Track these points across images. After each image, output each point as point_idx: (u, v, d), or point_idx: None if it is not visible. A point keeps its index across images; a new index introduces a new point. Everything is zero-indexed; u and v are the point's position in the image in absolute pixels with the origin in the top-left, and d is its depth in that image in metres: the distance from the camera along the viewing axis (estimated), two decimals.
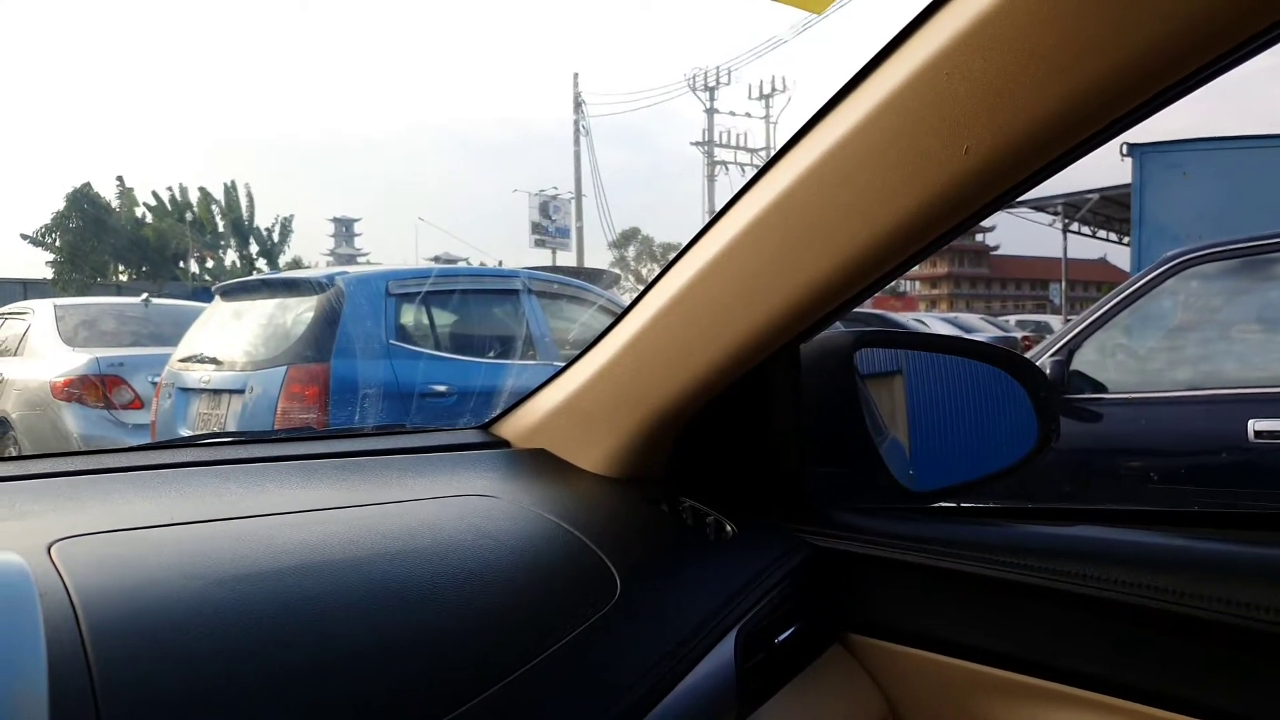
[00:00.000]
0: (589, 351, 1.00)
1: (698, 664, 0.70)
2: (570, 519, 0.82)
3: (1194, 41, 0.56)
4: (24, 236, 25.30)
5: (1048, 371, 3.52)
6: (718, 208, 0.86)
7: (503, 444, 1.09)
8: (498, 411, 1.13)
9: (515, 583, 0.71)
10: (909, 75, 0.65)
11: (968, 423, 1.15)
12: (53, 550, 0.60)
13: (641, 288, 0.94)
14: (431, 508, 0.82)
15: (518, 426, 1.08)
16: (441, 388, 4.42)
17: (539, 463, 1.02)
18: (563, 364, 1.04)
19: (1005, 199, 0.71)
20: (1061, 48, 0.58)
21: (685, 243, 0.88)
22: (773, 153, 0.80)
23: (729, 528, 0.88)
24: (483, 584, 0.69)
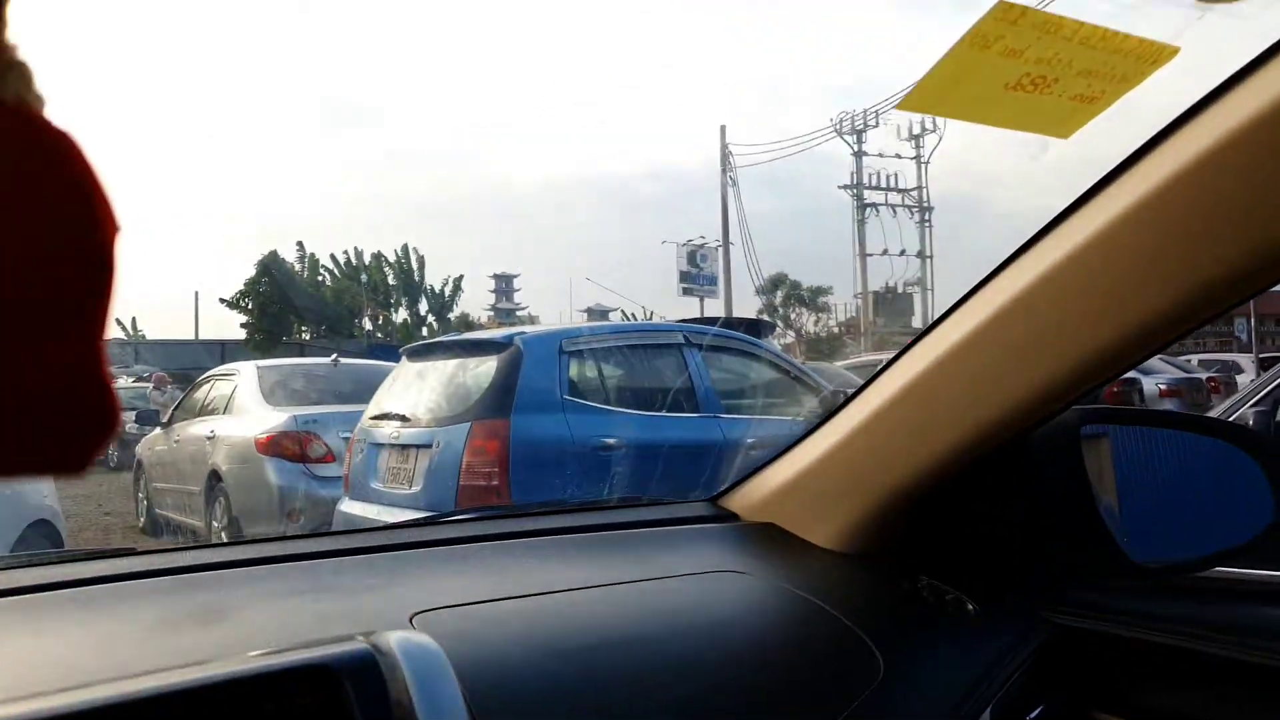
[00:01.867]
0: (820, 428, 1.05)
1: None
2: (822, 595, 0.88)
3: None
4: (222, 301, 27.89)
5: (1250, 422, 3.31)
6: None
7: (732, 517, 1.16)
8: (725, 485, 1.21)
9: (789, 659, 0.77)
10: (1163, 179, 0.67)
11: (1189, 494, 1.14)
12: (414, 622, 0.69)
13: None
14: (694, 584, 0.89)
15: (747, 500, 1.15)
16: (612, 440, 4.59)
17: (771, 537, 1.07)
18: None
19: (1246, 300, 0.73)
20: None
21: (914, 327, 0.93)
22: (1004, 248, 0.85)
23: (970, 606, 0.92)
24: (762, 660, 0.75)
